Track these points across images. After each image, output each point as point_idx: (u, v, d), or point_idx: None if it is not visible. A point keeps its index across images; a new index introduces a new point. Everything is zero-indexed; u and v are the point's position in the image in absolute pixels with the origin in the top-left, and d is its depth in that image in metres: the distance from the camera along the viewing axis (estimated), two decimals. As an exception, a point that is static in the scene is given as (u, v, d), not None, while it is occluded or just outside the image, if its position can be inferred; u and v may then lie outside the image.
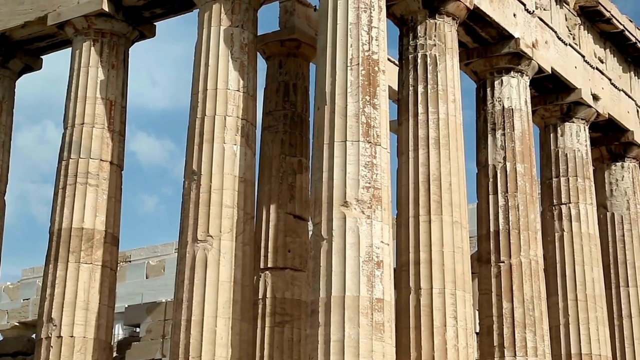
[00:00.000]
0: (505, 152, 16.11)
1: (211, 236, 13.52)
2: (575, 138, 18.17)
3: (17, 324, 29.28)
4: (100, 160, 15.48)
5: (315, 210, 12.89)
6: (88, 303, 14.85)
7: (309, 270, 13.01)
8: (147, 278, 28.18)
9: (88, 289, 14.89)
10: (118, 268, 16.62)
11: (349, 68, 13.13)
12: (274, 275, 15.71)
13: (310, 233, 13.14)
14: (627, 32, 19.46)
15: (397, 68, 15.56)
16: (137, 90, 55.08)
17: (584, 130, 18.38)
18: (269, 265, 15.77)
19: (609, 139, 19.88)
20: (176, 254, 14.42)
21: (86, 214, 15.15)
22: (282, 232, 15.87)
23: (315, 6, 16.65)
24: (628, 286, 19.12)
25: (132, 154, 58.89)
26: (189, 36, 14.13)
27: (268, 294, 15.65)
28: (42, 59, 18.09)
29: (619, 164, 19.90)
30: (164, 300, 24.50)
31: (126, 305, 25.18)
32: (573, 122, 18.23)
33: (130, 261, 28.74)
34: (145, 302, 25.69)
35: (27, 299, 29.67)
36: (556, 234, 17.66)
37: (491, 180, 16.08)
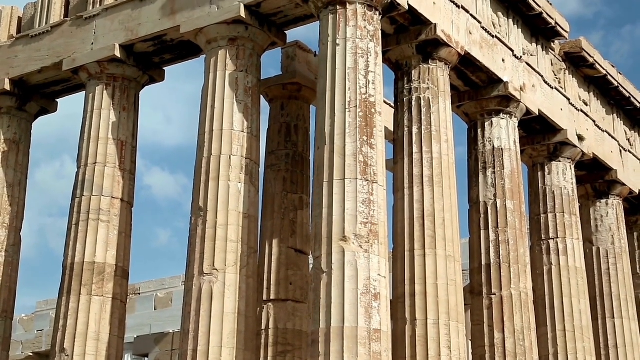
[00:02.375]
0: (495, 190, 16.10)
1: (216, 269, 13.46)
2: (561, 176, 18.17)
3: (31, 354, 29.09)
4: (112, 197, 15.45)
5: (315, 245, 12.84)
6: (99, 334, 14.74)
7: (310, 302, 12.93)
8: (155, 310, 28.03)
9: (99, 321, 14.80)
10: (128, 300, 16.53)
11: (347, 110, 13.16)
12: (276, 307, 15.62)
13: (311, 266, 13.08)
14: (609, 77, 19.53)
15: (393, 110, 15.60)
16: (153, 127, 55.30)
17: (570, 169, 18.39)
18: (271, 297, 15.70)
19: (593, 177, 19.88)
20: (183, 286, 14.35)
21: (98, 249, 15.10)
22: (284, 266, 15.82)
23: (315, 52, 16.74)
24: (614, 317, 19.01)
25: (147, 188, 58.85)
26: (202, 76, 14.31)
27: (271, 325, 15.56)
28: (57, 102, 18.12)
29: (603, 201, 19.88)
30: (171, 331, 24.38)
31: (135, 336, 25.04)
32: (560, 161, 18.24)
33: (139, 293, 28.59)
34: (153, 333, 25.56)
35: (40, 330, 29.50)
36: (545, 268, 17.60)
37: (482, 216, 16.05)
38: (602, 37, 59.02)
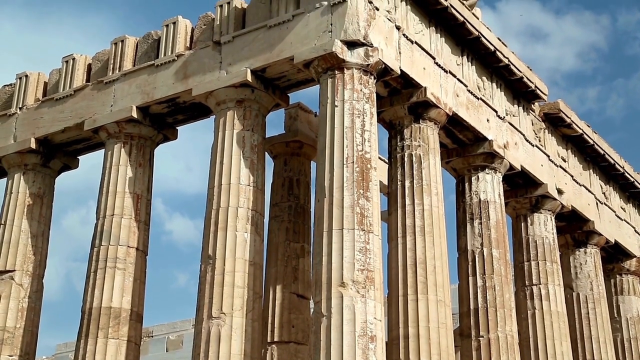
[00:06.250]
0: (482, 239, 16.03)
1: (224, 313, 13.32)
2: (543, 227, 18.10)
3: (51, 394, 28.71)
4: (128, 246, 15.36)
5: (316, 290, 12.73)
6: (114, 374, 14.53)
7: (311, 344, 12.78)
8: (167, 351, 27.75)
9: (115, 362, 14.60)
10: (141, 342, 16.32)
11: (345, 166, 13.16)
12: (279, 349, 15.43)
13: (312, 310, 12.96)
14: (585, 136, 19.59)
15: (387, 165, 15.59)
16: (175, 176, 55.16)
17: (551, 220, 18.32)
18: (275, 339, 15.53)
19: (572, 227, 19.82)
20: (193, 329, 14.18)
21: (114, 295, 14.97)
22: (286, 310, 15.67)
23: (316, 112, 16.81)
24: (594, 359, 18.78)
25: (169, 233, 58.39)
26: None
27: (274, 366, 15.36)
28: (78, 159, 18.13)
29: (582, 249, 19.79)
30: (182, 372, 24.06)
31: (148, 377, 24.72)
32: (541, 212, 18.19)
33: (152, 336, 28.32)
34: (165, 374, 25.23)
35: (60, 372, 29.16)
36: (529, 312, 17.45)
37: (470, 263, 15.95)
38: (598, 91, 59.61)
